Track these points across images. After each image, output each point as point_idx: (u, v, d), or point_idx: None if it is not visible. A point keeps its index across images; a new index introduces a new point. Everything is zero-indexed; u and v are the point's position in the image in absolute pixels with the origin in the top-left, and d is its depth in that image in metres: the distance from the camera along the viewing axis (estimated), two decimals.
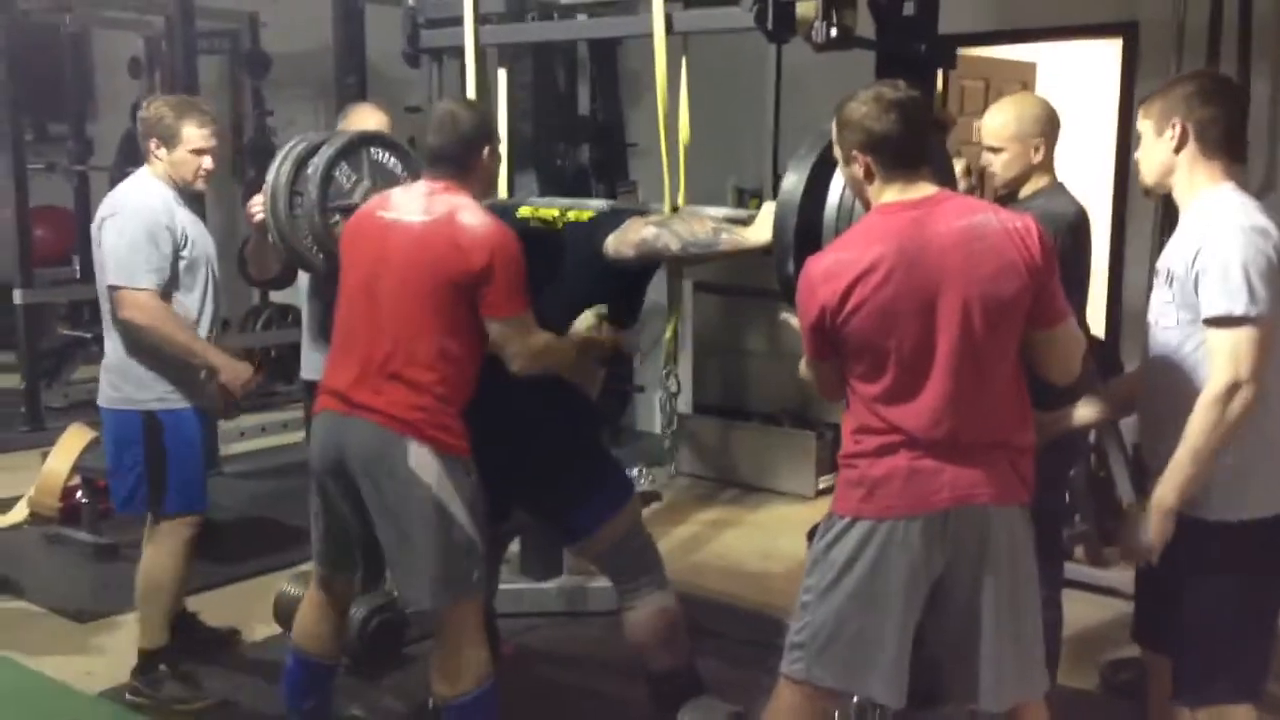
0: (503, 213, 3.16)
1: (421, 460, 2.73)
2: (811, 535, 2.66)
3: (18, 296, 6.60)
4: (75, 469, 4.86)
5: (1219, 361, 2.32)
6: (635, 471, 5.77)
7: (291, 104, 7.71)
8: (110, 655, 3.85)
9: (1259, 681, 2.52)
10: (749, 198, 5.49)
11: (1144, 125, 2.52)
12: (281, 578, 3.89)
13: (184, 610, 3.71)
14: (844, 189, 2.62)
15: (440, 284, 2.73)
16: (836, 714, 2.84)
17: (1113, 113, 5.24)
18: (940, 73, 3.36)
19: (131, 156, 8.13)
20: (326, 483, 2.88)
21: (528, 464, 3.04)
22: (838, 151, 2.45)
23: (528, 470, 3.05)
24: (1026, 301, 2.31)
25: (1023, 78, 6.25)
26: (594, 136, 4.45)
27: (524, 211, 3.20)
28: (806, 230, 2.65)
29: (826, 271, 2.34)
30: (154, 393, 3.41)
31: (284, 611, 3.68)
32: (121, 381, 3.43)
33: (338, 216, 3.33)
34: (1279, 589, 2.51)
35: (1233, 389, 2.30)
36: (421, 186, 2.86)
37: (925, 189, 2.36)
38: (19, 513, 4.99)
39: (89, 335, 7.76)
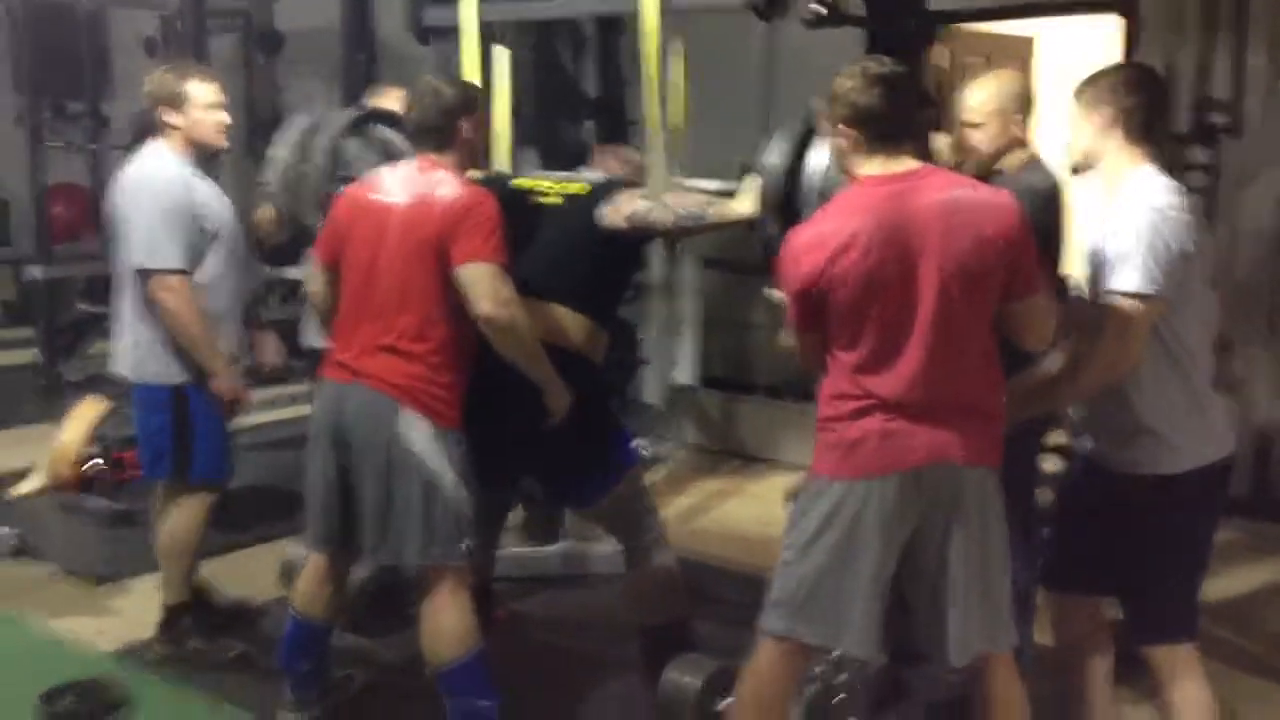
0: (499, 185, 3.24)
1: (412, 427, 2.84)
2: (792, 498, 2.75)
3: (37, 272, 6.72)
4: (91, 438, 4.96)
5: (1111, 330, 2.49)
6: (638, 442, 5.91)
7: (305, 82, 7.78)
8: (122, 616, 3.99)
9: (1196, 619, 2.68)
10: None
11: (1076, 109, 2.67)
12: (285, 545, 4.00)
13: (197, 583, 3.77)
14: (826, 162, 2.70)
15: (424, 256, 2.82)
16: (819, 671, 2.94)
17: None
18: (947, 51, 3.43)
19: (147, 134, 8.24)
20: (323, 448, 2.98)
21: (537, 433, 3.09)
22: (824, 124, 2.53)
23: (537, 439, 3.11)
24: (1001, 274, 2.38)
25: (1022, 53, 6.27)
26: (596, 113, 4.53)
27: (520, 183, 3.27)
28: (788, 201, 2.72)
29: (809, 243, 2.41)
30: (180, 368, 3.47)
31: (290, 574, 3.80)
32: (149, 357, 3.48)
33: (342, 188, 3.38)
34: (1209, 535, 2.68)
35: (1116, 357, 2.51)
36: (405, 167, 2.96)
37: (908, 163, 2.43)
38: (33, 482, 5.11)
39: (105, 310, 7.89)
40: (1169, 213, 2.48)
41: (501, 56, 3.72)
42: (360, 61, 5.47)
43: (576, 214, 3.11)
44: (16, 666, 3.64)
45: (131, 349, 3.53)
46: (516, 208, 3.10)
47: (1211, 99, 4.79)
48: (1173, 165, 4.77)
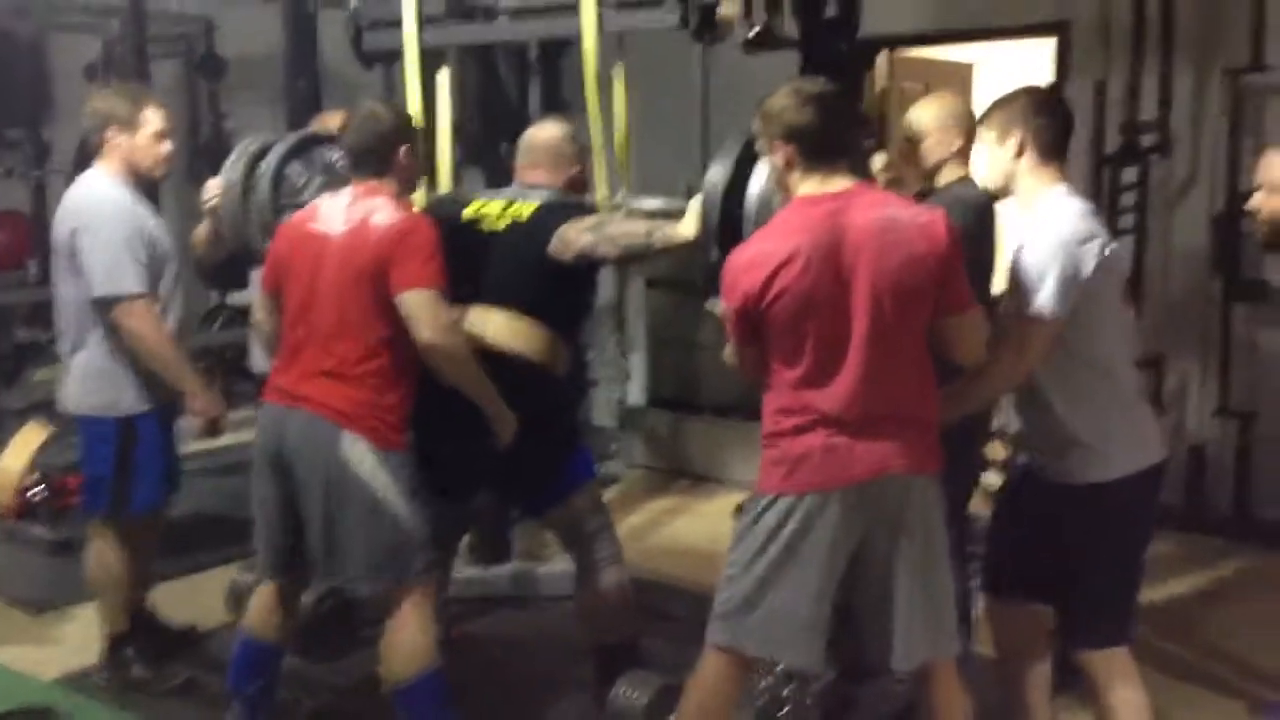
0: (447, 208, 3.27)
1: (354, 451, 2.86)
2: (739, 512, 2.79)
3: None
4: (32, 466, 4.91)
5: (1010, 347, 2.60)
6: None
7: (248, 108, 7.75)
8: (63, 645, 3.95)
9: (1132, 623, 2.74)
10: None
11: (986, 135, 2.76)
12: (233, 570, 3.97)
13: (142, 608, 3.74)
14: (764, 183, 2.75)
15: (361, 283, 2.85)
16: (764, 682, 2.98)
17: None
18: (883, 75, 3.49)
19: (89, 161, 8.19)
20: (266, 474, 2.99)
21: (495, 447, 3.10)
22: (761, 143, 2.59)
23: (495, 452, 3.11)
24: (933, 290, 2.45)
25: (961, 78, 6.40)
26: None
27: (468, 212, 3.26)
28: (728, 222, 2.77)
29: (749, 262, 2.47)
30: (130, 397, 3.43)
31: (238, 599, 3.78)
32: (100, 387, 3.43)
33: (289, 213, 3.41)
34: (1144, 539, 2.74)
35: (1011, 371, 2.63)
36: (345, 195, 2.98)
37: (843, 182, 2.49)
38: None
39: (46, 339, 7.80)
40: (1076, 239, 2.55)
41: (443, 78, 3.75)
42: (303, 87, 5.47)
43: (526, 239, 3.12)
44: None
45: (75, 379, 3.48)
46: (468, 237, 3.14)
47: (1140, 120, 4.92)
48: (1103, 185, 4.92)
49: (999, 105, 2.76)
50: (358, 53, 3.93)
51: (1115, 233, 4.97)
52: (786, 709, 3.04)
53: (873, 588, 2.53)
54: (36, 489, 4.91)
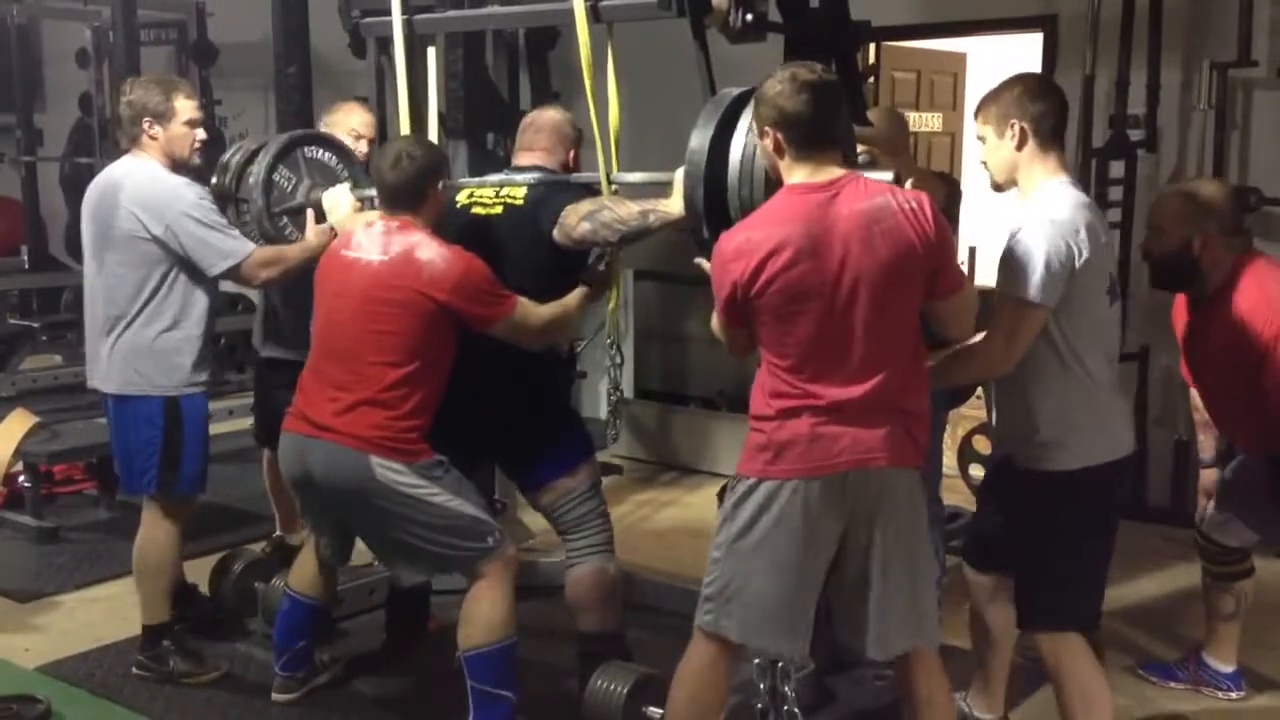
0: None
1: (390, 474, 2.95)
2: (722, 494, 2.80)
3: None
4: (18, 454, 4.91)
5: (999, 331, 2.62)
6: None
7: (240, 94, 7.77)
8: (48, 633, 3.95)
9: (1092, 610, 2.78)
10: None
11: (984, 130, 2.75)
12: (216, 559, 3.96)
13: (184, 583, 3.75)
14: (745, 150, 2.73)
15: (407, 314, 2.95)
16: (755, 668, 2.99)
17: None
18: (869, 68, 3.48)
19: (83, 147, 8.23)
20: (303, 494, 3.18)
21: (498, 413, 3.22)
22: (754, 126, 2.59)
23: (498, 419, 3.23)
24: (924, 277, 2.46)
25: (953, 69, 6.42)
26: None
27: (461, 198, 3.30)
28: (714, 192, 2.76)
29: (737, 249, 2.47)
30: (177, 378, 3.47)
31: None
32: (147, 368, 3.45)
33: (285, 219, 3.55)
34: (1103, 529, 2.76)
35: (1000, 355, 2.64)
36: (380, 226, 3.07)
37: (833, 171, 2.48)
38: None
39: (37, 325, 7.81)
40: (1068, 227, 2.57)
41: (430, 60, 3.75)
42: (293, 74, 5.46)
43: (522, 220, 3.17)
44: None
45: (116, 361, 3.48)
46: (463, 223, 3.21)
47: (1127, 114, 4.92)
48: (1091, 178, 4.92)
49: (993, 97, 2.74)
50: (354, 41, 3.92)
51: None
52: (763, 701, 3.04)
53: (852, 576, 2.54)
54: (22, 478, 4.91)
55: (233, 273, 3.45)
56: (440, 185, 3.11)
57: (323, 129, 4.04)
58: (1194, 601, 3.73)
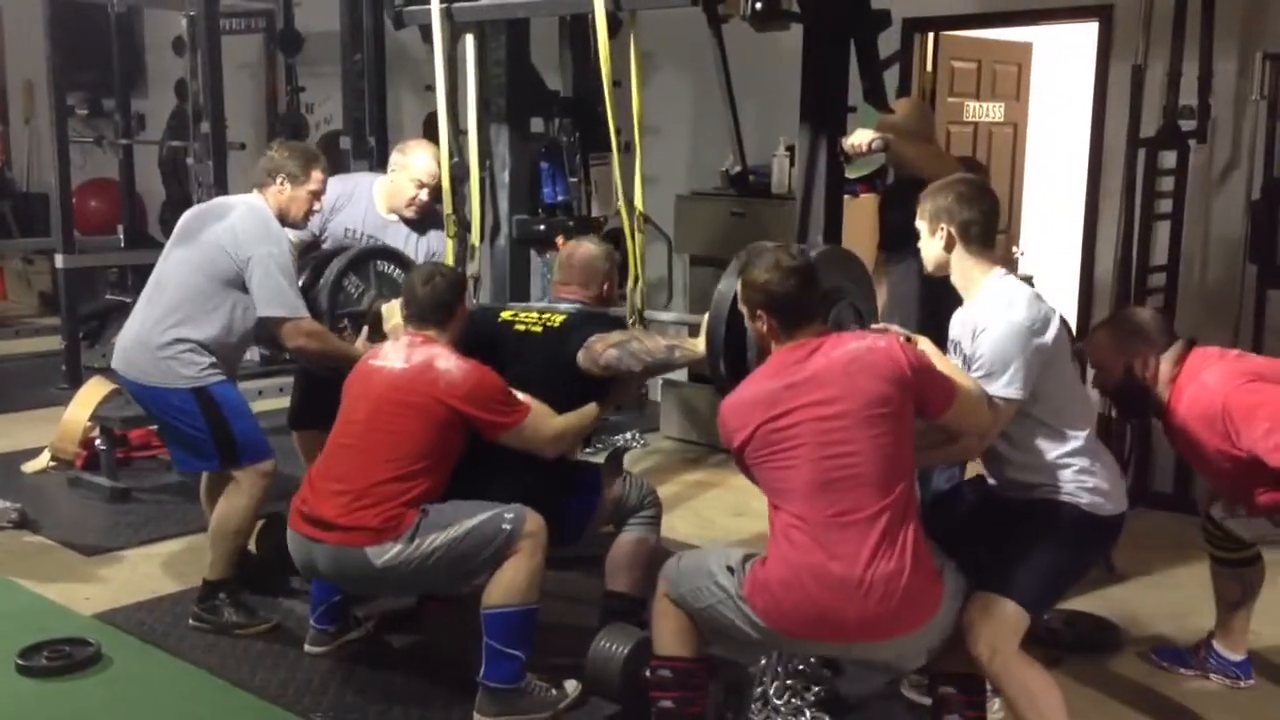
0: (486, 315, 3.62)
1: (385, 555, 3.12)
2: None
3: (59, 261, 7.00)
4: (95, 417, 5.20)
5: (989, 420, 2.80)
6: (629, 435, 6.11)
7: (325, 80, 8.03)
8: (109, 584, 4.20)
9: (1043, 605, 2.93)
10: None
11: (919, 223, 2.95)
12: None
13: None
14: None
15: (421, 417, 3.16)
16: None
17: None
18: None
19: (178, 132, 8.55)
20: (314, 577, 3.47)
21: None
22: (743, 306, 2.80)
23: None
24: (910, 405, 2.64)
25: (1018, 59, 6.37)
26: (569, 111, 4.71)
27: (504, 315, 3.60)
28: (733, 336, 3.01)
29: (737, 410, 2.72)
30: (195, 370, 3.68)
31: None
32: (169, 363, 3.67)
33: (345, 321, 3.80)
34: (1080, 564, 2.95)
35: (979, 443, 2.88)
36: (405, 340, 3.31)
37: (814, 335, 2.72)
38: (42, 459, 5.36)
39: (129, 300, 8.16)
40: (1031, 326, 2.78)
41: (469, 48, 3.92)
42: (358, 62, 5.68)
43: (556, 345, 3.44)
44: (7, 625, 3.86)
45: (152, 352, 3.69)
46: (502, 336, 3.49)
47: (1180, 105, 4.86)
48: (1138, 169, 4.87)
49: (930, 195, 2.95)
50: (395, 26, 4.11)
51: (1152, 218, 4.94)
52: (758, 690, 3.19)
53: None
54: (98, 441, 5.19)
55: (278, 323, 3.67)
56: (463, 307, 3.37)
57: (391, 170, 4.27)
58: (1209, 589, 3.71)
